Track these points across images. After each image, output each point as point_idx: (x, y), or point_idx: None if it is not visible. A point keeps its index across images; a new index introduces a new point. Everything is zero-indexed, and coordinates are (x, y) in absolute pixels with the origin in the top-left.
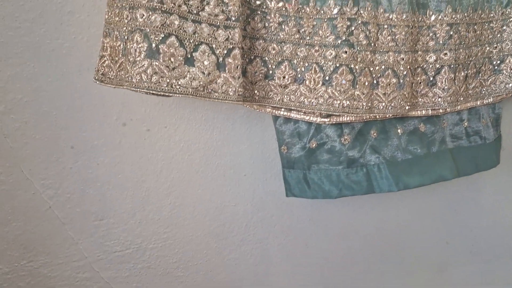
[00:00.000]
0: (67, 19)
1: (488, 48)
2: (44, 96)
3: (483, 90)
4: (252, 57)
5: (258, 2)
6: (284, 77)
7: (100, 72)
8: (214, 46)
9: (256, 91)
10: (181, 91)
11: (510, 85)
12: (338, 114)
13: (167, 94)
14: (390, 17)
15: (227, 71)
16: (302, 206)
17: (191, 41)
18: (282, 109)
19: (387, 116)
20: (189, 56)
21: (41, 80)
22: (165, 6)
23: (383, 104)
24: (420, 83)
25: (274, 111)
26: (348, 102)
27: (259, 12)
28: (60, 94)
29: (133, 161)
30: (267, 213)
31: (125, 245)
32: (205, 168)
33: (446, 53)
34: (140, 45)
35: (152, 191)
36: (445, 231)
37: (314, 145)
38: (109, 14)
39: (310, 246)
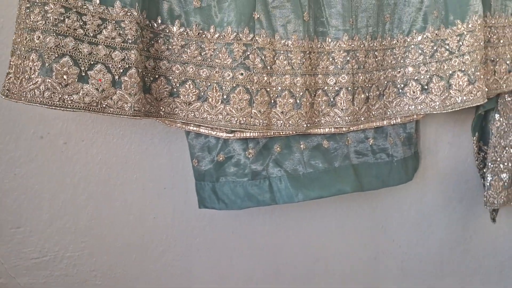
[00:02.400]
0: None
1: (392, 73)
2: None
3: (388, 111)
4: (157, 76)
5: (161, 27)
6: (188, 95)
7: (6, 88)
8: (110, 65)
9: (162, 107)
10: (73, 105)
11: (413, 107)
12: (238, 130)
13: (58, 108)
14: (287, 43)
15: (123, 88)
16: (225, 219)
17: (86, 61)
18: (191, 125)
19: (290, 132)
20: (84, 74)
21: None
22: (59, 29)
23: (281, 121)
24: (321, 103)
25: (184, 126)
26: (244, 119)
27: (162, 36)
28: None
29: (50, 173)
30: (188, 225)
31: (42, 253)
32: (123, 181)
33: (344, 77)
34: (35, 64)
35: (69, 202)
36: (374, 247)
37: (221, 158)
38: (15, 35)
39: (234, 260)
